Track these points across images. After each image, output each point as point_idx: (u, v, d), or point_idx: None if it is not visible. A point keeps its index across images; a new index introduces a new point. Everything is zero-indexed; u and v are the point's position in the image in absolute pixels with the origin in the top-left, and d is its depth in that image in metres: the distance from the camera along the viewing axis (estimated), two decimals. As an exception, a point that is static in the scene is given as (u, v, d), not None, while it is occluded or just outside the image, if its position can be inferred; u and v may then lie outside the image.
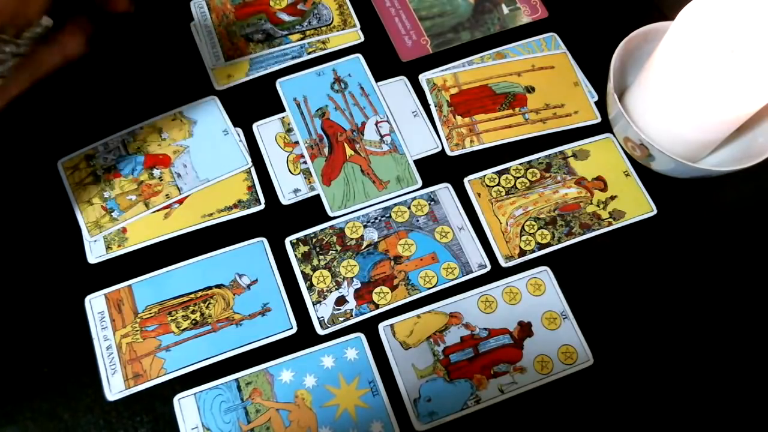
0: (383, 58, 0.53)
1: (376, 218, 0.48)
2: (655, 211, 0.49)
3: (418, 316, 0.45)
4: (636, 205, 0.49)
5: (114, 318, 0.44)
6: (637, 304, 0.46)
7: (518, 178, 0.50)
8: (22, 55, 0.36)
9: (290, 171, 0.49)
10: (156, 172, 0.49)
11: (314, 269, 0.46)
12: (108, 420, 0.42)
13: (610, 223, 0.48)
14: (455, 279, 0.46)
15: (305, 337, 0.44)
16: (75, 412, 0.42)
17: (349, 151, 0.50)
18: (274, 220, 0.48)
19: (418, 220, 0.48)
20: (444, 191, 0.49)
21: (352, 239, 0.47)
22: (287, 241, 0.47)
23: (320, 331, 0.44)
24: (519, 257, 0.47)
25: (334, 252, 0.47)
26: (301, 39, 0.54)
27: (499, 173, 0.50)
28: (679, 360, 0.45)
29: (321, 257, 0.46)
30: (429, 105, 0.52)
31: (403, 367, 0.43)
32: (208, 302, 0.45)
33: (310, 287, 0.46)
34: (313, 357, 0.44)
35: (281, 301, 0.45)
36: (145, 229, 0.47)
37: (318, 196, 0.49)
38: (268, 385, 0.43)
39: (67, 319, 0.44)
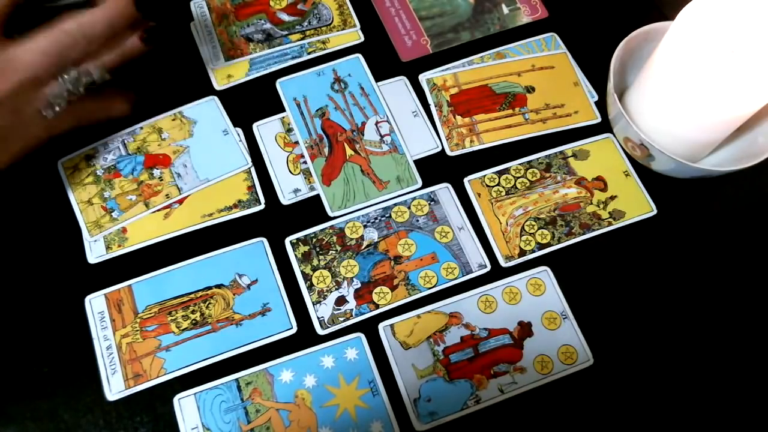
0: (383, 58, 0.53)
1: (376, 218, 0.48)
2: (655, 211, 0.49)
3: (418, 316, 0.45)
4: (636, 205, 0.49)
5: (114, 318, 0.44)
6: (637, 304, 0.46)
7: (518, 178, 0.50)
8: (74, 96, 0.41)
9: (290, 171, 0.49)
10: (156, 172, 0.49)
11: (314, 269, 0.46)
12: (108, 420, 0.42)
13: (610, 223, 0.48)
14: (455, 279, 0.46)
15: (305, 337, 0.44)
16: (75, 412, 0.42)
17: (349, 151, 0.50)
18: (274, 220, 0.48)
19: (418, 220, 0.48)
20: (444, 191, 0.49)
21: (352, 239, 0.47)
22: (287, 241, 0.47)
23: (320, 331, 0.44)
24: (519, 257, 0.47)
25: (334, 252, 0.47)
26: (301, 39, 0.54)
27: (499, 173, 0.50)
28: (679, 360, 0.45)
29: (321, 257, 0.46)
30: (429, 105, 0.52)
31: (403, 367, 0.43)
32: (208, 302, 0.45)
33: (310, 287, 0.46)
34: (313, 357, 0.44)
35: (281, 301, 0.45)
36: (145, 229, 0.47)
37: (318, 196, 0.49)
38: (268, 385, 0.43)
39: (67, 319, 0.44)
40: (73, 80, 0.40)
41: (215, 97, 0.51)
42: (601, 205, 0.49)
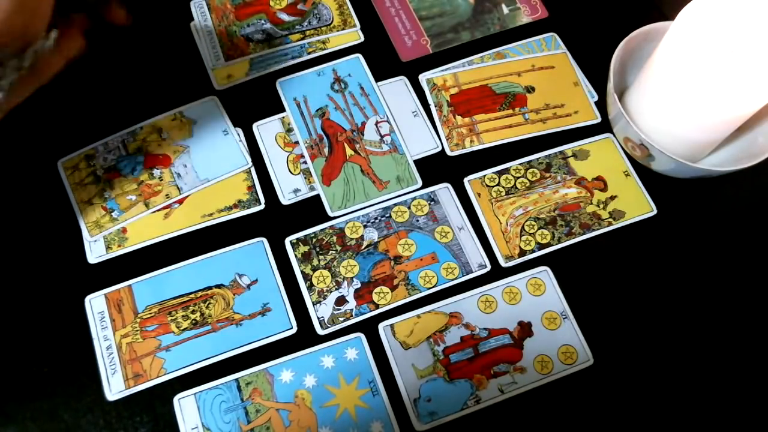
0: (383, 58, 0.53)
1: (376, 218, 0.48)
2: (655, 211, 0.49)
3: (418, 316, 0.45)
4: (636, 205, 0.49)
5: (114, 318, 0.44)
6: (637, 304, 0.46)
7: (518, 178, 0.50)
8: (23, 72, 0.36)
9: (290, 171, 0.49)
10: (156, 172, 0.49)
11: (314, 269, 0.46)
12: (108, 420, 0.42)
13: (610, 223, 0.48)
14: (455, 279, 0.46)
15: (305, 337, 0.44)
16: (75, 412, 0.42)
17: (349, 151, 0.50)
18: (274, 220, 0.48)
19: (418, 220, 0.48)
20: (444, 191, 0.49)
21: (352, 239, 0.47)
22: (287, 241, 0.47)
23: (320, 331, 0.44)
24: (519, 257, 0.47)
25: (334, 252, 0.47)
26: (301, 39, 0.54)
27: (499, 173, 0.50)
28: (679, 360, 0.45)
29: (321, 257, 0.46)
30: (429, 105, 0.52)
31: (403, 367, 0.43)
32: (208, 302, 0.45)
33: (310, 287, 0.46)
34: (313, 357, 0.44)
35: (281, 301, 0.45)
36: (145, 229, 0.47)
37: (318, 196, 0.49)
38: (268, 385, 0.43)
39: (67, 319, 0.44)
40: (11, 57, 0.34)
41: (215, 97, 0.51)
42: (601, 205, 0.49)
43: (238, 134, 0.50)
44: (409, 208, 0.48)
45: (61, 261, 0.46)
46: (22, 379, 0.43)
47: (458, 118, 0.51)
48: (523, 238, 0.48)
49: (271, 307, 0.45)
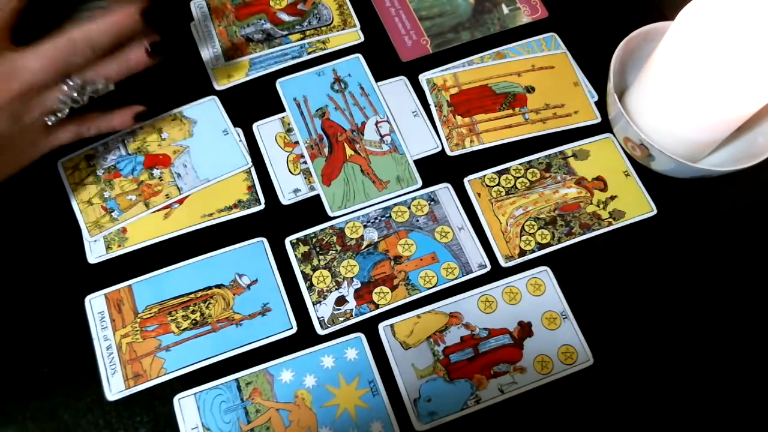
0: (383, 58, 0.53)
1: (376, 218, 0.48)
2: (655, 211, 0.49)
3: (418, 316, 0.45)
4: (636, 205, 0.49)
5: (114, 318, 0.44)
6: (637, 304, 0.46)
7: (518, 178, 0.50)
8: (77, 104, 0.41)
9: (290, 171, 0.49)
10: (156, 172, 0.49)
11: (314, 269, 0.46)
12: (108, 420, 0.42)
13: (610, 223, 0.48)
14: (455, 279, 0.46)
15: (305, 337, 0.44)
16: (75, 412, 0.42)
17: (349, 151, 0.50)
18: (274, 220, 0.48)
19: (418, 220, 0.48)
20: (444, 191, 0.49)
21: (352, 239, 0.47)
22: (287, 241, 0.47)
23: (320, 331, 0.44)
24: (519, 257, 0.47)
25: (334, 252, 0.47)
26: (301, 39, 0.54)
27: (499, 173, 0.50)
28: (679, 360, 0.45)
29: (321, 257, 0.47)
30: (429, 105, 0.52)
31: (403, 367, 0.43)
32: (208, 302, 0.45)
33: (310, 287, 0.46)
34: (313, 357, 0.44)
35: (281, 301, 0.45)
36: (145, 229, 0.47)
37: (318, 196, 0.49)
38: (268, 385, 0.43)
39: (67, 319, 0.44)
40: (78, 88, 0.40)
41: (215, 97, 0.51)
42: (601, 205, 0.49)
43: (238, 134, 0.50)
44: (409, 208, 0.48)
45: (61, 261, 0.46)
46: (22, 379, 0.43)
47: (458, 118, 0.51)
48: (523, 238, 0.48)
49: (271, 307, 0.45)
